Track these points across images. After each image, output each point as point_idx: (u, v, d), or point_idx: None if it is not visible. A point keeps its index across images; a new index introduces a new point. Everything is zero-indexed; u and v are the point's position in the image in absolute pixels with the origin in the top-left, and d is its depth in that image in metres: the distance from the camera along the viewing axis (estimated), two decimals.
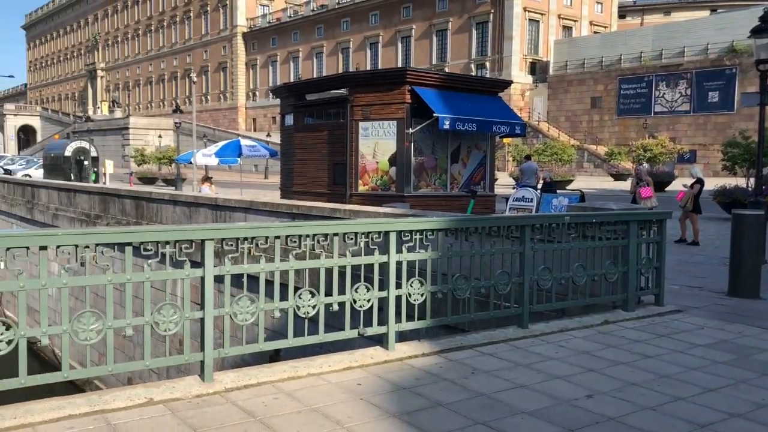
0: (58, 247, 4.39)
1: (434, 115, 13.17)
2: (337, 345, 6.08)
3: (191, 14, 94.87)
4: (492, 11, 62.26)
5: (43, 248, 4.34)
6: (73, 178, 36.64)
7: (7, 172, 44.42)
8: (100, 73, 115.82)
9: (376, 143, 13.72)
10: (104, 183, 35.11)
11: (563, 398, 4.77)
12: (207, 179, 21.05)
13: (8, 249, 4.19)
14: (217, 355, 4.93)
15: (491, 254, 6.37)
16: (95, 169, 39.33)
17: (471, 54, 64.52)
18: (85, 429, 4.05)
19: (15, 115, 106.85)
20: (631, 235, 7.34)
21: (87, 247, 4.48)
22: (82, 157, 39.72)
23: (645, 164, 36.37)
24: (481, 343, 6.15)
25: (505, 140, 44.25)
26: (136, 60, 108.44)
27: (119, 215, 18.95)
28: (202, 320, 4.87)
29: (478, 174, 14.91)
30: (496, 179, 16.09)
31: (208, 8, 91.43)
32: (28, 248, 4.27)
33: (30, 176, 39.04)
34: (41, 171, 42.99)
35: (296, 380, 5.05)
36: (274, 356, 9.23)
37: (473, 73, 59.95)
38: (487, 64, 63.14)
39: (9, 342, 4.19)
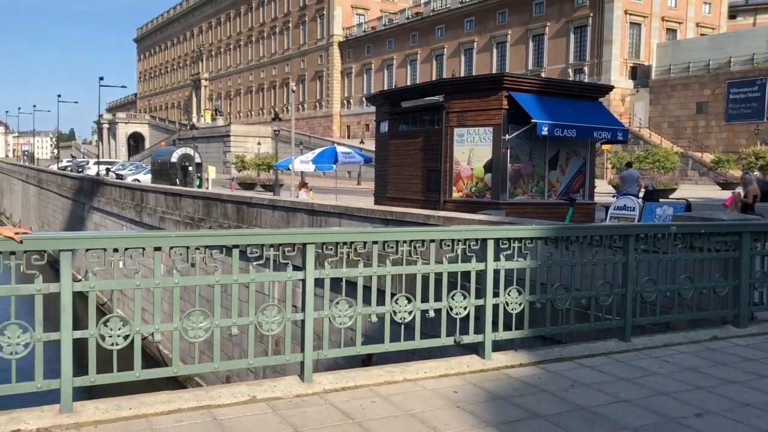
0: (171, 248, 4.63)
1: (532, 120, 12.95)
2: (430, 351, 6.07)
3: (290, 25, 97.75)
4: (591, 15, 60.64)
5: (157, 249, 4.58)
6: (178, 183, 38.50)
7: (119, 176, 47.20)
8: (204, 82, 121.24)
9: (472, 149, 13.63)
10: (207, 188, 36.66)
11: (670, 416, 4.56)
12: (304, 185, 21.61)
13: (126, 249, 4.46)
14: (317, 356, 5.04)
15: (593, 264, 6.19)
16: (199, 175, 41.12)
17: (568, 59, 63.06)
18: (193, 423, 4.24)
19: (126, 123, 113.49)
20: (743, 246, 6.94)
21: (198, 248, 4.70)
22: (187, 163, 41.68)
23: (756, 172, 34.31)
24: (581, 356, 5.98)
25: (604, 147, 42.85)
26: (238, 70, 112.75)
27: (221, 219, 19.75)
28: (302, 322, 4.99)
29: (577, 181, 14.52)
30: (595, 187, 15.60)
31: (306, 19, 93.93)
32: (143, 249, 4.53)
33: (139, 181, 41.32)
34: (149, 176, 45.40)
35: (392, 385, 5.08)
36: (366, 360, 9.33)
37: (571, 78, 58.52)
38: (586, 68, 61.50)
39: (126, 337, 4.45)
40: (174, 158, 41.83)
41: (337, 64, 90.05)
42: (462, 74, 68.52)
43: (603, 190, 32.90)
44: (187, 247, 4.64)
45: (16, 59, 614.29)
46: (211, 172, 43.05)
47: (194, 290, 4.84)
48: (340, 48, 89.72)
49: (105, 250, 4.40)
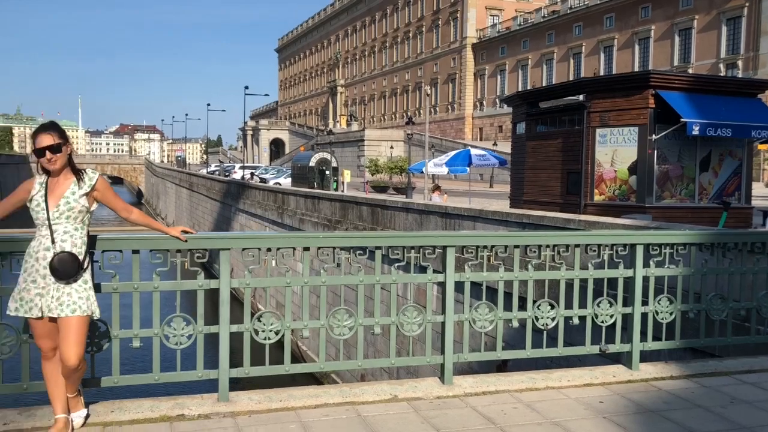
0: (318, 248, 4.81)
1: (681, 120, 12.19)
2: (568, 360, 5.90)
3: (423, 29, 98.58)
4: (746, 5, 56.18)
5: (306, 249, 4.78)
6: (315, 186, 39.94)
7: (262, 180, 49.74)
8: (339, 89, 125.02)
9: (615, 150, 13.06)
10: (343, 191, 37.76)
11: None
12: (437, 188, 21.69)
13: (278, 249, 4.69)
14: (457, 359, 5.04)
15: (753, 273, 5.75)
16: (335, 178, 42.43)
17: (720, 53, 58.81)
18: (338, 418, 4.38)
19: (268, 129, 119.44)
20: None
21: (343, 249, 4.86)
22: (324, 167, 43.18)
23: None
24: (740, 371, 5.55)
25: (761, 146, 39.60)
26: (372, 75, 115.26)
27: (357, 221, 20.26)
28: (442, 324, 5.01)
29: (732, 184, 13.49)
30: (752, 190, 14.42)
31: (440, 22, 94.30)
32: (294, 249, 4.74)
33: (280, 184, 43.28)
34: (289, 179, 47.45)
35: (534, 392, 4.98)
36: (501, 366, 9.20)
37: (722, 74, 54.56)
38: (740, 62, 57.07)
39: (277, 332, 4.68)
40: (312, 162, 43.49)
41: (470, 65, 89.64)
42: (601, 73, 65.85)
43: (759, 193, 30.39)
44: (334, 248, 4.81)
45: (170, 72, 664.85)
46: (347, 175, 44.28)
47: (342, 289, 4.99)
48: (474, 50, 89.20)
49: (259, 249, 4.65)
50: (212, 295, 4.63)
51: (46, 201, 3.87)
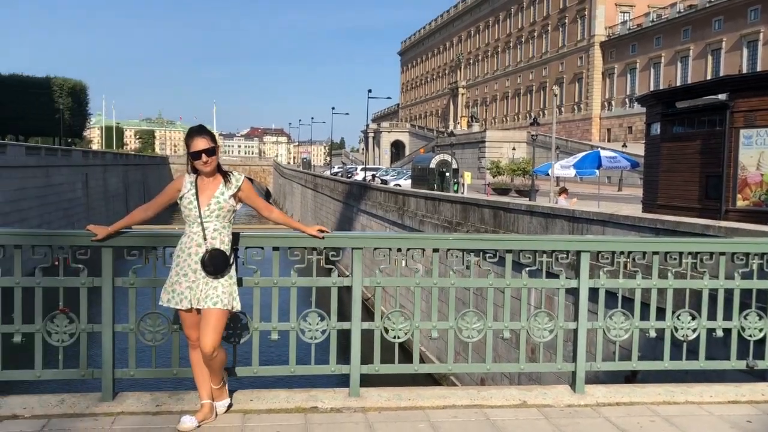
0: (448, 250, 4.83)
1: None
2: (706, 374, 5.54)
3: (549, 28, 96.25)
4: None
5: (435, 250, 4.81)
6: (435, 188, 40.02)
7: (383, 182, 50.51)
8: (461, 90, 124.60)
9: (762, 153, 12.11)
10: (463, 193, 37.60)
11: None
12: (564, 191, 21.09)
13: (408, 249, 4.75)
14: (589, 368, 4.90)
15: None
16: (456, 180, 42.32)
17: None
18: (467, 420, 4.38)
19: (389, 131, 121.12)
20: None
21: (472, 251, 4.84)
22: (444, 169, 43.17)
23: None
24: None
25: None
26: (495, 76, 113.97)
27: (478, 223, 20.09)
28: (574, 331, 4.88)
29: None
30: None
31: (566, 20, 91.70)
32: (423, 250, 4.79)
33: (400, 186, 43.77)
34: (409, 181, 47.87)
35: (672, 405, 4.75)
36: (630, 377, 8.82)
37: None
38: None
39: (406, 332, 4.74)
40: (432, 164, 43.62)
41: (598, 64, 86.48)
42: (744, 70, 61.36)
43: None
44: (463, 250, 4.81)
45: (297, 77, 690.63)
46: (467, 177, 44.05)
47: (470, 292, 4.99)
48: (602, 48, 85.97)
49: (390, 249, 4.74)
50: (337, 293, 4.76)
51: (197, 199, 4.15)
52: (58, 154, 48.32)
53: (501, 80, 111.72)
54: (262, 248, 4.60)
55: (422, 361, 4.98)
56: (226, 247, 4.14)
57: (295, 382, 5.23)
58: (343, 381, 4.78)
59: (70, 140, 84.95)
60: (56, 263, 4.40)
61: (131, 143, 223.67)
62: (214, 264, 4.06)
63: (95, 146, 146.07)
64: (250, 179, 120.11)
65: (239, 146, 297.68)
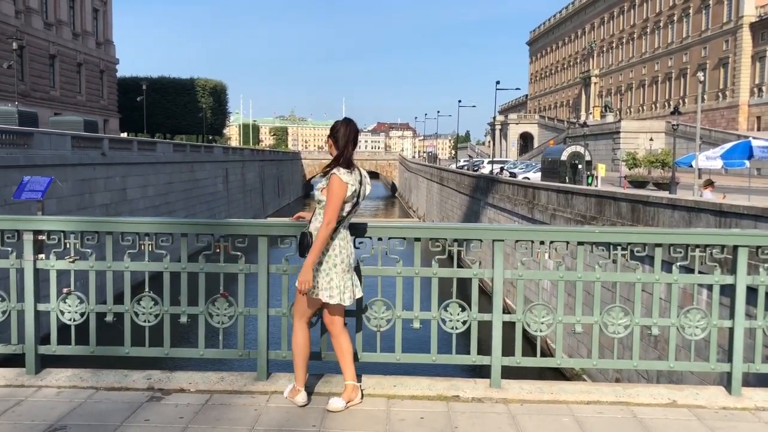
0: (593, 243, 4.72)
1: None
2: None
3: (690, 11, 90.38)
4: None
5: (580, 244, 4.72)
6: (567, 181, 38.83)
7: (512, 174, 49.67)
8: (594, 79, 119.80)
9: None
10: (596, 186, 36.21)
11: None
12: (710, 183, 19.82)
13: (551, 242, 4.70)
14: (747, 369, 4.63)
15: None
16: (590, 173, 40.84)
17: None
18: (613, 417, 4.28)
19: (517, 123, 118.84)
20: None
21: (619, 245, 4.69)
22: (576, 161, 41.75)
23: None
24: None
25: None
26: (630, 64, 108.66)
27: (614, 218, 19.33)
28: (730, 330, 4.63)
29: None
30: None
31: (710, 2, 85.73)
32: (567, 243, 4.71)
33: (529, 179, 42.85)
34: (538, 174, 46.75)
35: None
36: None
37: None
38: None
39: (548, 325, 4.70)
40: (564, 156, 42.30)
41: (746, 48, 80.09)
42: None
43: None
44: (610, 244, 4.68)
45: (422, 71, 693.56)
46: (601, 169, 42.36)
47: (617, 287, 4.85)
48: (752, 29, 79.55)
49: (532, 242, 4.71)
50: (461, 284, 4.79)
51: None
52: (201, 151, 51.57)
53: (637, 68, 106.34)
54: (405, 239, 4.72)
55: (544, 354, 4.91)
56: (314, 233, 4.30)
57: (428, 371, 5.34)
58: (474, 372, 4.82)
59: (211, 138, 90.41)
60: (218, 251, 4.74)
61: (266, 140, 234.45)
62: (300, 245, 4.36)
63: (234, 143, 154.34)
64: (375, 173, 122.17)
65: (366, 141, 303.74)
